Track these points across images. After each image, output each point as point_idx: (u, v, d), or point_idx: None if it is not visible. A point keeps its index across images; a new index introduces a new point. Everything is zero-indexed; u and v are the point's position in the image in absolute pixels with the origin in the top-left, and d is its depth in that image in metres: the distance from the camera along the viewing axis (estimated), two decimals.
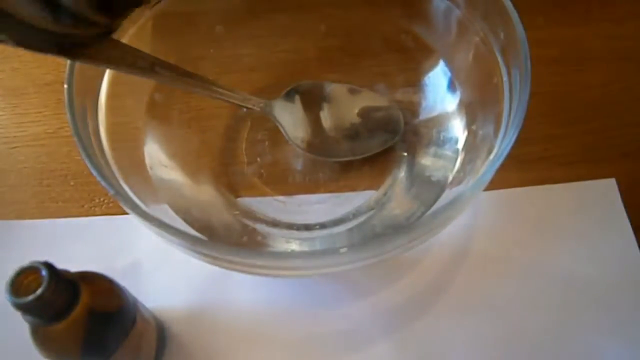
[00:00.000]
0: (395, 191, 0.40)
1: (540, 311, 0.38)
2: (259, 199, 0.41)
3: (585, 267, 0.40)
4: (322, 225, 0.39)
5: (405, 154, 0.42)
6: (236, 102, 0.39)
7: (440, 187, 0.37)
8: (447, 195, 0.36)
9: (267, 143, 0.43)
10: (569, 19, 0.51)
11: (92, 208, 0.44)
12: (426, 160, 0.41)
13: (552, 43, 0.49)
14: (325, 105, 0.43)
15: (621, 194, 0.42)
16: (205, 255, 0.29)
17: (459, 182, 0.36)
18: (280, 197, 0.41)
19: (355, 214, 0.40)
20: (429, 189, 0.38)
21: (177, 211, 0.35)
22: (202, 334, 0.38)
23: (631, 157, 0.44)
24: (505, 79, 0.34)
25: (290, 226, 0.40)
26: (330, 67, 0.44)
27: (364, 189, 0.41)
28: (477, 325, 0.38)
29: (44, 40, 0.21)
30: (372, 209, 0.40)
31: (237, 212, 0.40)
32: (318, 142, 0.42)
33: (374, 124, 0.43)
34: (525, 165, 0.44)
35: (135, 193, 0.32)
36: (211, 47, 0.42)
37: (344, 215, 0.40)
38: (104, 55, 0.28)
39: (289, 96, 0.42)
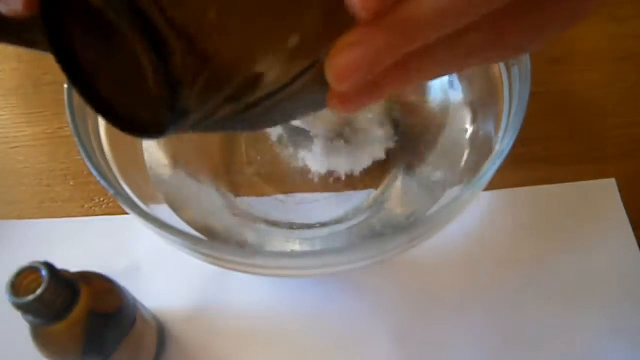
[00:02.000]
0: (395, 190, 0.40)
1: (540, 311, 0.38)
2: (259, 198, 0.41)
3: (585, 267, 0.40)
4: (322, 225, 0.39)
5: (406, 153, 0.42)
6: None
7: (440, 187, 0.37)
8: (447, 195, 0.36)
9: (267, 143, 0.43)
10: None
11: (92, 208, 0.44)
12: (426, 160, 0.41)
13: (552, 43, 0.49)
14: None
15: (621, 194, 0.42)
16: (205, 255, 0.29)
17: (459, 182, 0.36)
18: (280, 197, 0.41)
19: (355, 213, 0.40)
20: (429, 189, 0.38)
21: (177, 211, 0.35)
22: (202, 335, 0.38)
23: (631, 157, 0.44)
24: (505, 79, 0.34)
25: (290, 226, 0.40)
26: None
27: (364, 188, 0.41)
28: (477, 325, 0.38)
29: None
30: (372, 208, 0.40)
31: (237, 212, 0.40)
32: (317, 141, 0.41)
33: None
34: (525, 165, 0.44)
35: (135, 193, 0.32)
36: None
37: (343, 214, 0.40)
38: None
39: None
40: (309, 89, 0.19)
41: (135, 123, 0.19)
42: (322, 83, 0.17)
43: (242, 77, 0.18)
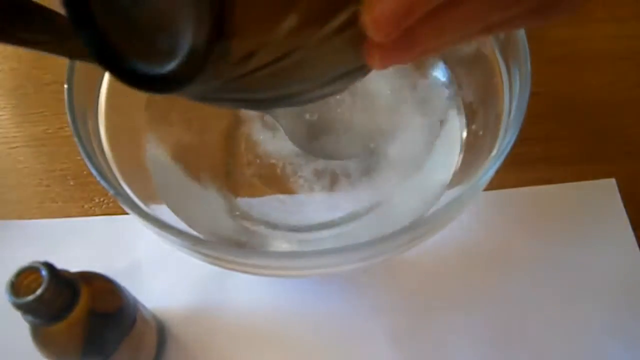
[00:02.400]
0: (396, 191, 0.40)
1: (540, 311, 0.38)
2: (259, 199, 0.41)
3: (585, 267, 0.40)
4: (322, 225, 0.39)
5: (405, 154, 0.42)
6: None
7: (440, 187, 0.37)
8: (447, 195, 0.36)
9: (267, 143, 0.43)
10: (569, 19, 0.51)
11: (92, 208, 0.44)
12: (426, 161, 0.41)
13: (552, 43, 0.49)
14: (325, 105, 0.43)
15: (621, 194, 0.42)
16: (205, 255, 0.29)
17: (459, 182, 0.36)
18: (281, 197, 0.41)
19: (355, 214, 0.40)
20: (428, 189, 0.38)
21: (177, 211, 0.35)
22: (202, 334, 0.38)
23: (631, 157, 0.44)
24: (505, 79, 0.34)
25: (291, 226, 0.40)
26: None
27: (364, 189, 0.41)
28: (477, 325, 0.38)
29: None
30: (372, 208, 0.40)
31: (237, 212, 0.40)
32: (318, 142, 0.41)
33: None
34: (525, 166, 0.44)
35: (135, 193, 0.32)
36: None
37: (344, 215, 0.40)
38: None
39: None
40: (331, 49, 0.19)
41: (151, 77, 0.18)
42: (346, 45, 0.17)
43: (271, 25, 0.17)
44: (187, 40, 0.17)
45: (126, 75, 0.19)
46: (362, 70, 0.21)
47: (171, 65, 0.18)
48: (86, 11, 0.18)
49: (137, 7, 0.18)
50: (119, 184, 0.31)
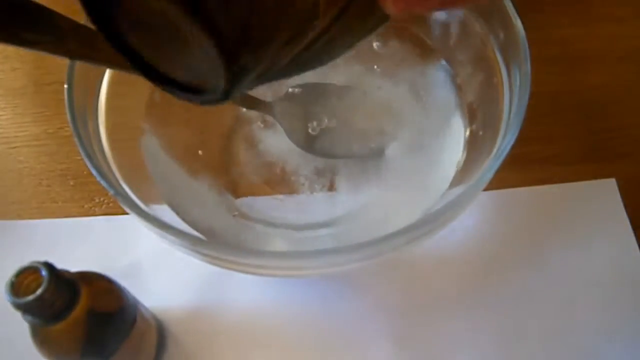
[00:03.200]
0: (396, 191, 0.40)
1: (540, 311, 0.38)
2: (258, 198, 0.41)
3: (585, 267, 0.40)
4: (322, 225, 0.39)
5: (405, 153, 0.42)
6: (236, 102, 0.39)
7: (440, 187, 0.37)
8: (447, 195, 0.36)
9: (267, 143, 0.43)
10: (569, 19, 0.51)
11: (92, 208, 0.44)
12: (426, 160, 0.41)
13: (552, 43, 0.49)
14: (325, 105, 0.43)
15: (621, 194, 0.42)
16: (205, 255, 0.29)
17: (459, 182, 0.36)
18: (280, 197, 0.41)
19: (355, 213, 0.40)
20: (428, 190, 0.38)
21: (177, 211, 0.35)
22: (202, 334, 0.38)
23: (631, 157, 0.44)
24: (505, 79, 0.34)
25: (290, 226, 0.40)
26: (330, 67, 0.44)
27: (364, 188, 0.41)
28: (477, 325, 0.38)
29: None
30: (372, 208, 0.40)
31: (236, 212, 0.40)
32: (318, 141, 0.42)
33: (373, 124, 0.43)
34: (525, 165, 0.44)
35: (135, 193, 0.32)
36: None
37: (343, 214, 0.40)
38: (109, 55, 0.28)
39: (289, 96, 0.42)
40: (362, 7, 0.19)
41: (197, 90, 0.19)
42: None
43: (301, 10, 0.16)
44: (212, 66, 0.17)
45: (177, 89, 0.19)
46: (380, 22, 0.21)
47: (208, 84, 0.18)
48: (124, 42, 0.18)
49: (165, 43, 0.18)
50: (119, 184, 0.31)
